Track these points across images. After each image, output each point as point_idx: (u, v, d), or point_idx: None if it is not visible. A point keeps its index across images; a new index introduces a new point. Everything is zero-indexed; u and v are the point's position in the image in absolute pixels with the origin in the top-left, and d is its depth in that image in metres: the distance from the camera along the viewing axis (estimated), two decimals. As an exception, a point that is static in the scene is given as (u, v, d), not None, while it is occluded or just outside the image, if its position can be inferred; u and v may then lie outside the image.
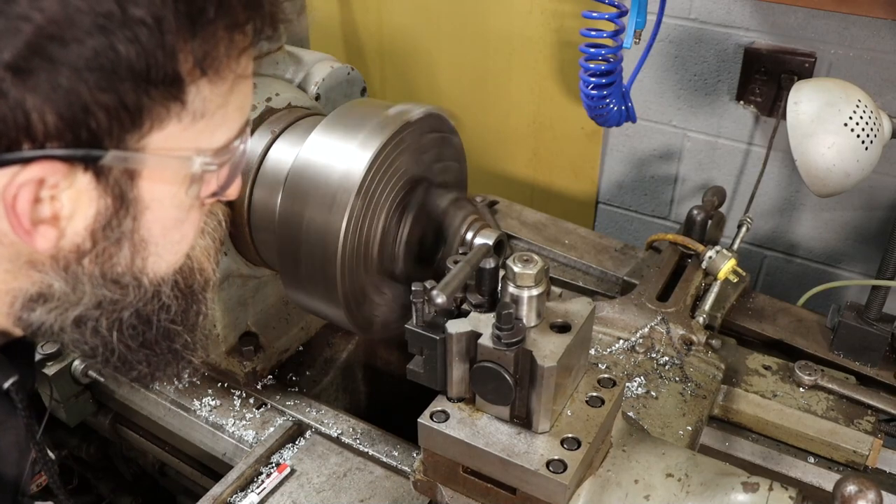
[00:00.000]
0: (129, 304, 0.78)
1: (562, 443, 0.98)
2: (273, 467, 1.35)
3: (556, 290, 1.05)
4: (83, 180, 0.66)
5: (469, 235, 1.24)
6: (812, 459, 1.45)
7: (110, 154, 0.65)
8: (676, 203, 2.41)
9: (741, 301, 1.75)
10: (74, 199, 0.67)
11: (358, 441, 1.42)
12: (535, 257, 0.98)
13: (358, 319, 1.25)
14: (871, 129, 1.56)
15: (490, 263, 1.01)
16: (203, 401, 1.53)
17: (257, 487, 1.31)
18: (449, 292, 0.96)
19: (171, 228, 0.76)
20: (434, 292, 0.95)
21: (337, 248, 1.15)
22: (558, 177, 2.58)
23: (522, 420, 1.00)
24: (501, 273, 1.00)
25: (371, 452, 1.40)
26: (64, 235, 0.69)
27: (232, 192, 0.83)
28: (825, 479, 1.42)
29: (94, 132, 0.64)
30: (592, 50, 1.83)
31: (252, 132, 1.34)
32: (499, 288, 1.02)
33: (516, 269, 0.97)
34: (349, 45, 2.80)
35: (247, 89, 0.76)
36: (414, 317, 1.00)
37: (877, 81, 1.90)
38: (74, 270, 0.73)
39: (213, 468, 1.55)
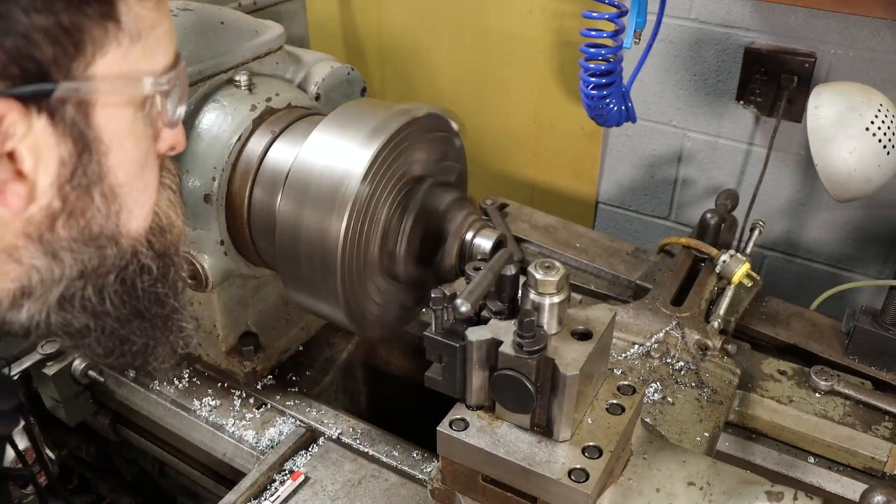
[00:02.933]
0: (110, 267, 0.77)
1: (583, 451, 0.97)
2: (287, 475, 1.35)
3: (576, 296, 1.04)
4: (39, 125, 0.65)
5: (469, 236, 1.23)
6: (833, 467, 1.44)
7: (61, 86, 0.64)
8: (676, 203, 2.41)
9: (754, 305, 1.73)
10: (35, 149, 0.65)
11: (358, 441, 1.42)
12: (557, 264, 0.97)
13: (358, 319, 1.24)
14: (894, 134, 1.55)
15: (511, 270, 1.00)
16: (203, 401, 1.53)
17: (271, 495, 1.30)
18: (473, 300, 0.95)
19: (135, 175, 0.75)
20: (458, 301, 0.94)
21: (337, 248, 1.15)
22: (558, 177, 2.58)
23: (543, 428, 0.99)
24: (522, 280, 0.99)
25: (386, 460, 1.39)
26: (34, 195, 0.67)
27: (180, 140, 0.83)
28: (844, 487, 1.42)
29: (40, 63, 0.62)
30: (592, 50, 1.83)
31: (252, 132, 1.34)
32: (519, 295, 1.00)
33: (538, 276, 0.95)
34: (349, 45, 2.80)
35: (169, 14, 0.76)
36: (433, 324, 0.99)
37: (877, 81, 1.90)
38: (50, 241, 0.71)
39: (214, 468, 1.55)
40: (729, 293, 1.61)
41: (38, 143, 0.65)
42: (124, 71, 0.69)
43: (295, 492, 1.31)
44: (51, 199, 0.69)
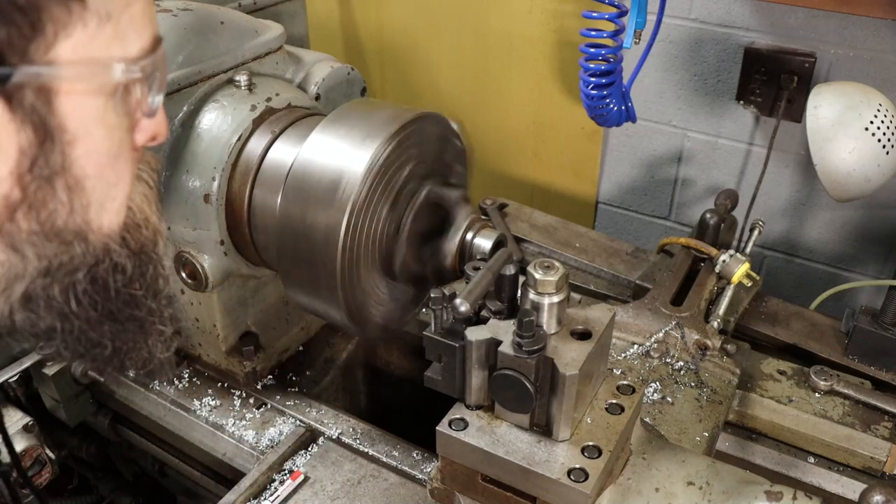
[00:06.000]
0: (79, 264, 0.72)
1: (582, 451, 0.98)
2: (286, 474, 1.35)
3: (575, 296, 1.04)
4: None
5: (469, 235, 1.23)
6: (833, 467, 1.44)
7: (19, 70, 0.59)
8: (676, 203, 2.41)
9: (754, 305, 1.74)
10: None
11: (358, 441, 1.42)
12: (556, 264, 0.97)
13: (358, 319, 1.24)
14: (893, 134, 1.55)
15: (511, 270, 1.00)
16: (203, 401, 1.53)
17: (271, 495, 1.30)
18: (472, 300, 0.95)
19: (106, 165, 0.70)
20: (458, 301, 0.94)
21: (337, 248, 1.15)
22: (558, 177, 2.58)
23: (542, 428, 1.00)
24: (521, 279, 1.00)
25: (385, 460, 1.39)
26: None
27: (160, 131, 0.78)
28: (844, 486, 1.42)
29: None
30: (592, 50, 1.83)
31: (252, 132, 1.34)
32: (518, 294, 1.01)
33: (537, 276, 0.96)
34: (349, 45, 2.80)
35: None
36: (433, 323, 0.99)
37: (877, 81, 1.90)
38: (10, 231, 0.66)
39: (214, 468, 1.55)
40: (728, 293, 1.61)
41: None
42: (92, 55, 0.64)
43: (294, 492, 1.31)
44: (10, 188, 0.64)
